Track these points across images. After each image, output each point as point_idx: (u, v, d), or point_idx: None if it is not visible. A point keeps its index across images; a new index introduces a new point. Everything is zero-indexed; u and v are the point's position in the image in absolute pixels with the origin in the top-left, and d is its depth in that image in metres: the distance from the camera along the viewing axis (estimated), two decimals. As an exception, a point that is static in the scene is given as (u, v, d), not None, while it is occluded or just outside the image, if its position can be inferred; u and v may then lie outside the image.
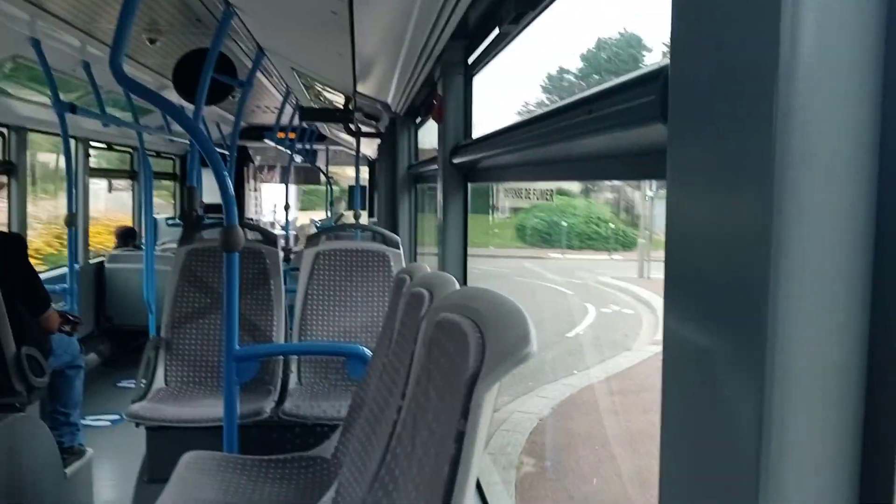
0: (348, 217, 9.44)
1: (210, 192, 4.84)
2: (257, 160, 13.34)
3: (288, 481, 2.18)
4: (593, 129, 1.12)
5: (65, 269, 5.18)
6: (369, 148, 8.62)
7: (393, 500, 1.24)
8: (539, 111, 1.48)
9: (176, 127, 6.34)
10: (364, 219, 8.51)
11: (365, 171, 10.93)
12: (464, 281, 2.77)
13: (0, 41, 4.01)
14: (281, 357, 3.40)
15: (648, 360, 7.44)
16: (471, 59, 2.64)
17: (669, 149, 0.75)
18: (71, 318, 3.72)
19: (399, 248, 3.57)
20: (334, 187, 14.28)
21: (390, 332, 1.87)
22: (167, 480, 2.11)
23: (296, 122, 7.76)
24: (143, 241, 6.21)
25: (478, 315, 1.02)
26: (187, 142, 6.53)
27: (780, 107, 0.59)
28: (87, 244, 6.43)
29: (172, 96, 4.58)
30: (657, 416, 0.79)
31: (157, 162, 8.59)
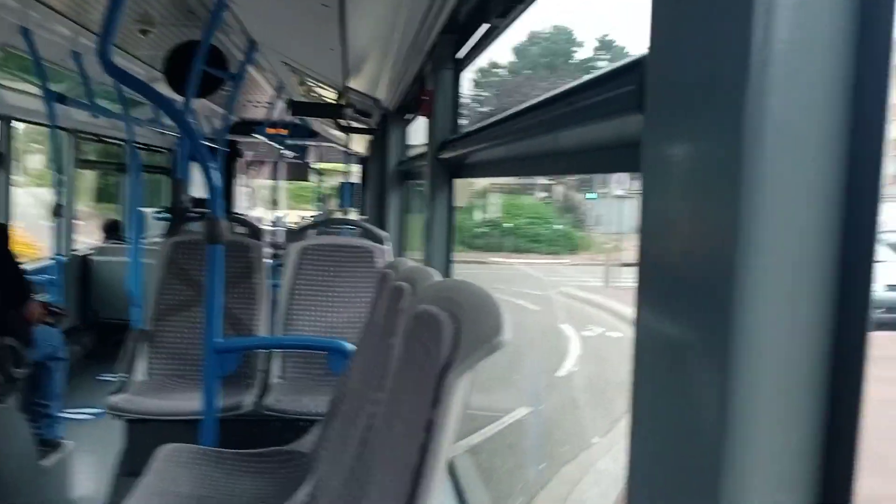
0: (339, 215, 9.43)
1: (201, 187, 4.82)
2: (248, 156, 13.31)
3: (265, 475, 2.16)
4: (574, 120, 1.12)
5: (50, 261, 5.15)
6: (360, 145, 8.61)
7: (367, 491, 1.23)
8: (524, 104, 1.47)
9: (167, 120, 6.32)
10: (354, 216, 8.48)
11: (358, 169, 10.92)
12: (447, 275, 2.76)
13: None
14: (263, 351, 3.38)
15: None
16: (460, 54, 2.64)
17: (644, 139, 0.75)
18: (55, 309, 3.69)
19: (386, 245, 3.56)
20: (325, 184, 14.24)
21: (372, 326, 1.87)
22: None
23: (287, 118, 7.75)
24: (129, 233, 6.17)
25: (454, 305, 1.02)
26: (177, 135, 6.51)
27: (752, 98, 0.59)
28: (71, 236, 6.38)
29: (164, 89, 4.56)
30: None
31: (150, 156, 8.55)
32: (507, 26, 2.08)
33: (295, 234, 3.68)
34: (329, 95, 6.05)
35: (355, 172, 10.44)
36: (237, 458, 2.20)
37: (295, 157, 11.75)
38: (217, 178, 2.45)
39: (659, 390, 0.72)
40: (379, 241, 3.57)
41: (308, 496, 1.81)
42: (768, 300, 0.59)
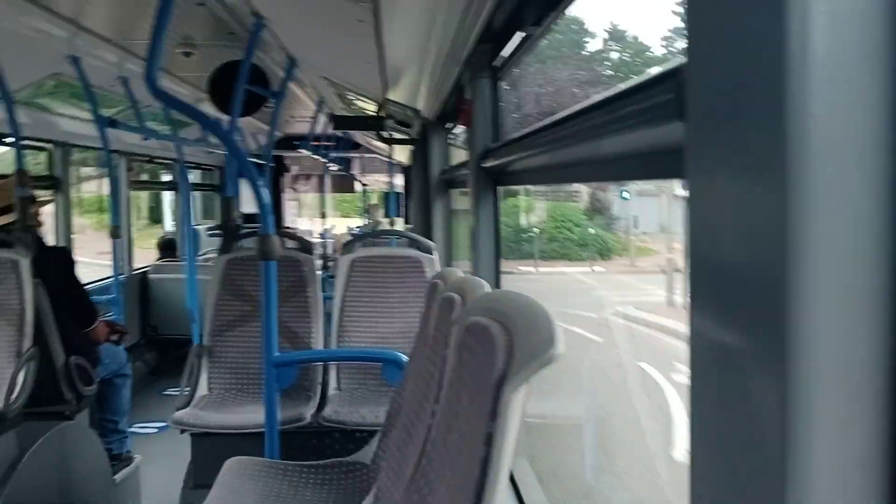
0: (385, 225, 9.50)
1: (251, 203, 4.93)
2: (294, 170, 13.53)
3: (328, 487, 2.21)
4: (614, 128, 1.13)
5: (110, 280, 5.34)
6: (403, 155, 8.69)
7: (427, 503, 1.25)
8: (563, 113, 1.48)
9: (214, 139, 6.48)
10: (400, 225, 8.54)
11: (401, 179, 10.99)
12: (496, 284, 2.77)
13: (41, 60, 4.15)
14: (320, 363, 3.45)
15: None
16: (497, 62, 2.65)
17: (687, 146, 0.76)
18: (117, 328, 3.83)
19: (433, 254, 3.59)
20: (370, 195, 14.37)
21: (424, 336, 1.89)
22: (211, 485, 2.16)
23: (330, 131, 7.86)
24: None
25: (505, 317, 1.03)
26: (225, 153, 6.66)
27: (794, 99, 0.59)
28: (129, 255, 6.60)
29: (209, 109, 4.68)
30: None
31: (201, 174, 8.77)
32: (542, 35, 2.09)
33: (348, 245, 3.74)
34: (369, 108, 6.12)
35: (399, 183, 10.51)
36: (301, 470, 2.25)
37: (340, 170, 11.89)
38: (266, 195, 2.49)
39: (717, 400, 0.72)
40: (427, 250, 3.60)
41: (370, 507, 1.84)
42: (824, 304, 0.59)
